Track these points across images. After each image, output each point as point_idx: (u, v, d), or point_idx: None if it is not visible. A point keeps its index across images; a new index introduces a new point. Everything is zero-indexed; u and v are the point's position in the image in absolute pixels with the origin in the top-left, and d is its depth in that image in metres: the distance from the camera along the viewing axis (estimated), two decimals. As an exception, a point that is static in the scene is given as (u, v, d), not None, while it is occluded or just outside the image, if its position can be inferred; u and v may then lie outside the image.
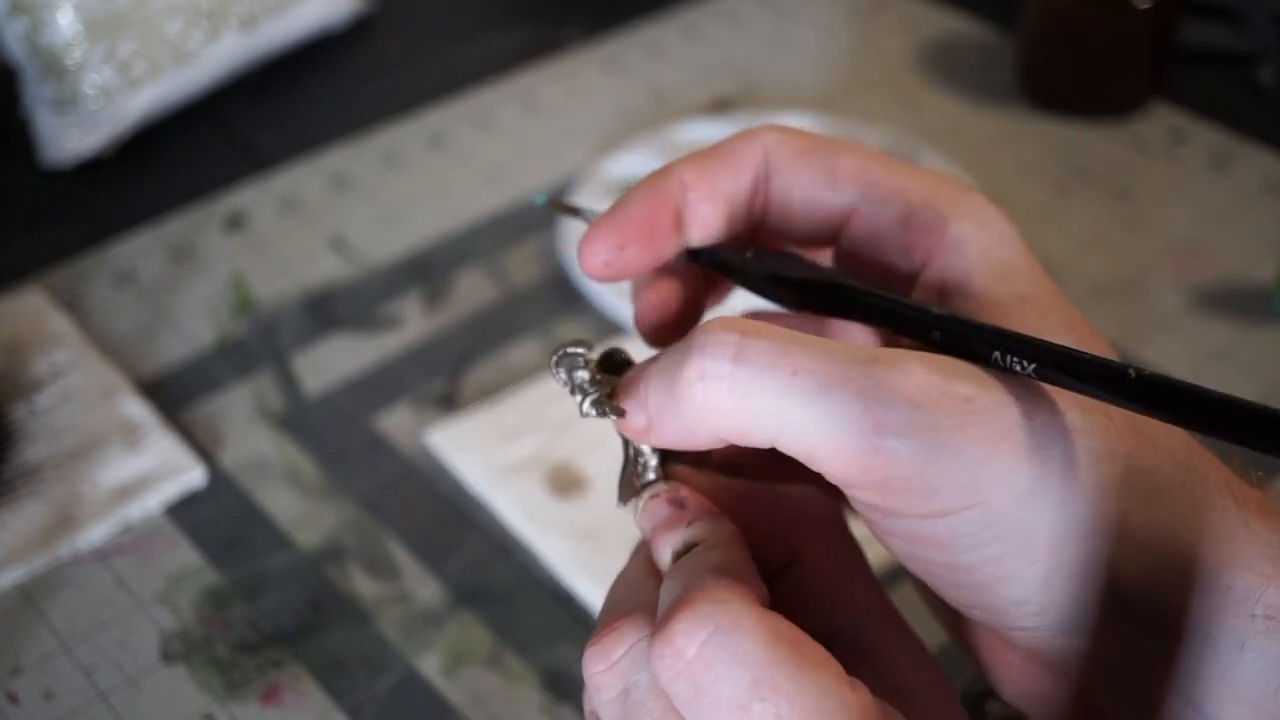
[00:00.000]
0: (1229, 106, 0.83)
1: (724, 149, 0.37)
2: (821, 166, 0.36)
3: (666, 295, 0.37)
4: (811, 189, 0.36)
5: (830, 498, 0.35)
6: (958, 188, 0.35)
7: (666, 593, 0.30)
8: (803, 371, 0.29)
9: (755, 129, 0.37)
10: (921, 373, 0.29)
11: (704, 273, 0.39)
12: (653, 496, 0.35)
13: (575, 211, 0.40)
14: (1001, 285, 0.33)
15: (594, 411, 0.34)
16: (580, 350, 0.35)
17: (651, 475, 0.36)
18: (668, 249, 0.37)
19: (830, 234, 0.37)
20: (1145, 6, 0.79)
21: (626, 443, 0.36)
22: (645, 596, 0.32)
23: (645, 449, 0.36)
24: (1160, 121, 0.83)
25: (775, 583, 0.33)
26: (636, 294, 0.38)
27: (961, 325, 0.31)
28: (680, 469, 0.36)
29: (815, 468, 0.30)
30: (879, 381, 0.29)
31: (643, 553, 0.35)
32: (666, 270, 0.38)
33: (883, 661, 0.33)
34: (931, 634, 0.53)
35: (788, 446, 0.30)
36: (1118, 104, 0.83)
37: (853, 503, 0.31)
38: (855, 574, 0.35)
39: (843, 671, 0.29)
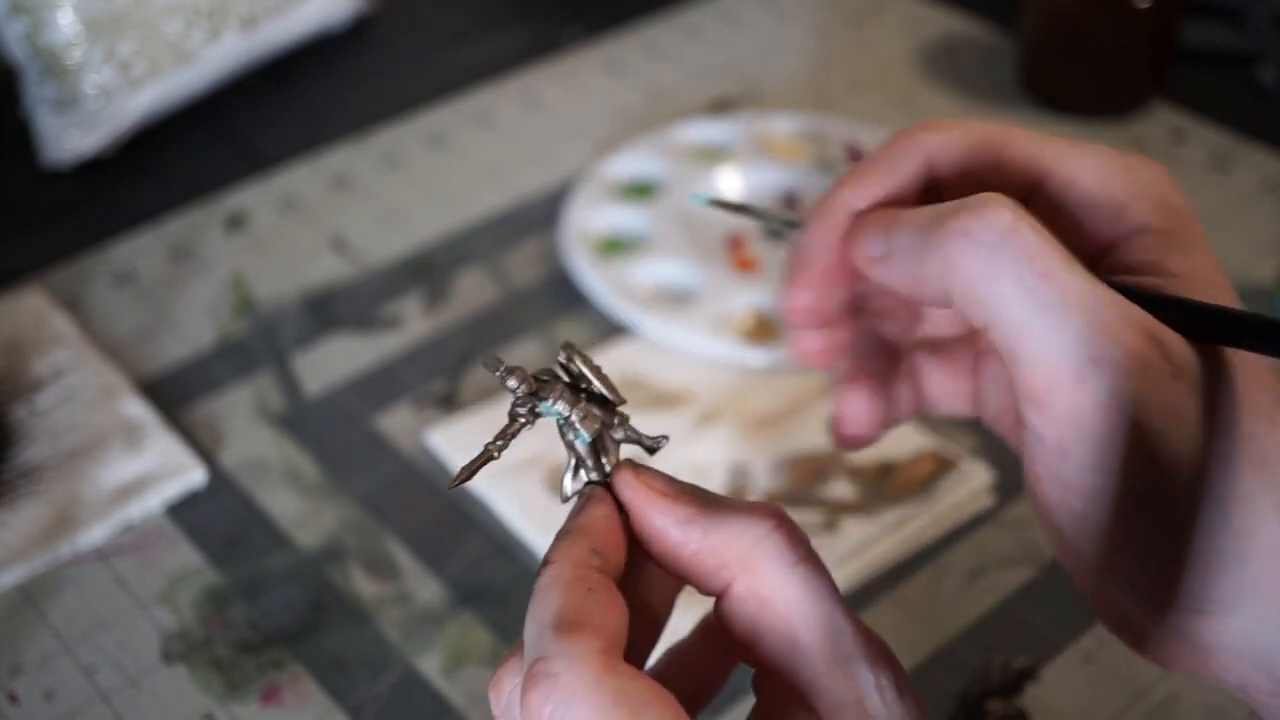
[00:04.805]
0: (1229, 106, 0.83)
1: (881, 159, 0.36)
2: (989, 164, 0.35)
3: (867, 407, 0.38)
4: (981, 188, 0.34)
5: (776, 530, 0.33)
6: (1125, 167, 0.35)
7: (526, 638, 0.32)
8: (1053, 278, 0.30)
9: (912, 131, 0.36)
10: (1139, 340, 0.30)
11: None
12: (577, 496, 0.35)
13: (741, 209, 0.40)
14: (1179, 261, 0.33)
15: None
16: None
17: (594, 475, 0.35)
18: (853, 284, 0.37)
19: None
20: (1145, 6, 0.79)
21: (571, 444, 0.36)
22: None
23: (587, 456, 0.35)
24: (1160, 121, 0.83)
25: (719, 602, 0.33)
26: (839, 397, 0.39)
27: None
28: (627, 474, 0.34)
29: (1012, 368, 0.31)
30: (1108, 324, 0.30)
31: None
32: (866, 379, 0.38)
33: (821, 701, 0.32)
34: (915, 651, 0.54)
35: (999, 336, 0.31)
36: (1118, 104, 0.83)
37: (1022, 413, 0.32)
38: (798, 610, 0.32)
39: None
